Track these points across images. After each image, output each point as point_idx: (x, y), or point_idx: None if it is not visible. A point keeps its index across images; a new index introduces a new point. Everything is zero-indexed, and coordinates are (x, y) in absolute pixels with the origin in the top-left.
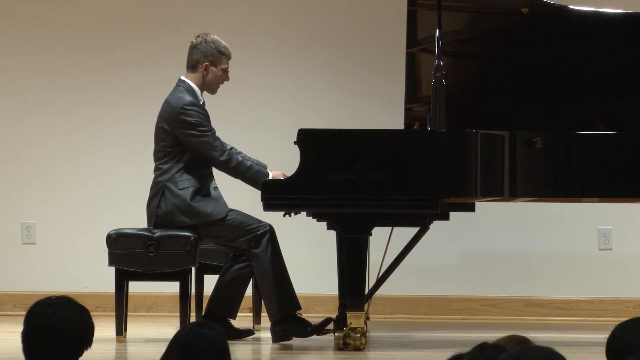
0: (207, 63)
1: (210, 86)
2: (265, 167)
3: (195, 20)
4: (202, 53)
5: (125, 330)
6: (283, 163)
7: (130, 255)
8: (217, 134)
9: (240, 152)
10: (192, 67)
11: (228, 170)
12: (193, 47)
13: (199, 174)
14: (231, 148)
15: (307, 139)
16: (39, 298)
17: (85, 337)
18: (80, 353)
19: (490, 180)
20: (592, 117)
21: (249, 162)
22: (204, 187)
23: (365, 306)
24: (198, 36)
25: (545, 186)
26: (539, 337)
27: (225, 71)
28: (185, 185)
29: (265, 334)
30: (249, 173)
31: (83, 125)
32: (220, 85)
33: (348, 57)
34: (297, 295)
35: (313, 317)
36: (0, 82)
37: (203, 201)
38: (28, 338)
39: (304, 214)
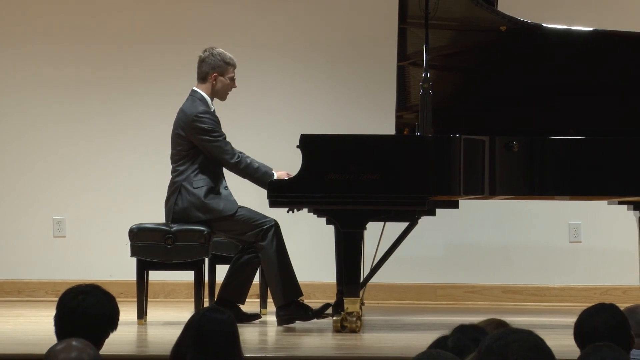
0: (215, 74)
1: (220, 94)
2: (270, 169)
3: (206, 37)
4: (210, 65)
5: (146, 314)
6: (286, 165)
7: (150, 247)
8: (229, 138)
9: (249, 157)
10: (202, 78)
11: (238, 171)
12: (201, 61)
13: (212, 175)
14: (240, 152)
15: (309, 143)
16: (68, 286)
17: (111, 321)
18: (107, 335)
19: (472, 180)
20: (564, 123)
21: (257, 164)
22: (216, 186)
23: (361, 293)
24: (205, 50)
25: (522, 185)
26: (515, 320)
27: (232, 79)
28: (199, 184)
29: (271, 318)
30: (257, 174)
31: (107, 131)
32: (229, 92)
33: (345, 69)
34: (299, 282)
35: (314, 302)
36: (36, 92)
37: (215, 199)
38: (60, 321)
39: (305, 210)
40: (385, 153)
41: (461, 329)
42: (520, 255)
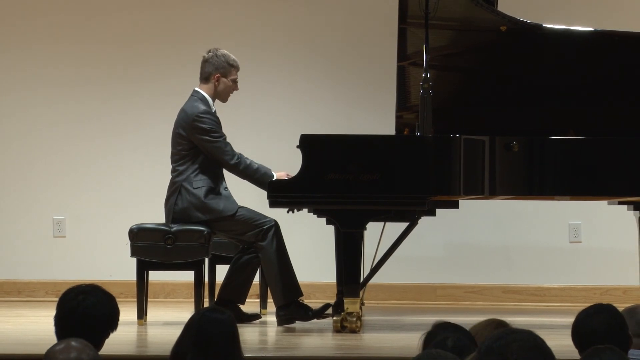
0: (218, 75)
1: (221, 95)
2: (270, 170)
3: (207, 37)
4: (213, 66)
5: (146, 314)
6: (287, 165)
7: (150, 248)
8: (229, 139)
9: (248, 158)
10: (205, 78)
11: (237, 172)
12: (205, 61)
13: (212, 175)
14: (240, 153)
15: (309, 143)
16: (68, 286)
17: (111, 321)
18: (107, 335)
19: (472, 180)
20: (564, 123)
21: (256, 165)
22: (216, 186)
23: (361, 293)
24: (209, 51)
25: (522, 185)
26: (515, 320)
27: (235, 81)
28: (199, 184)
29: (271, 318)
30: (256, 175)
31: (107, 131)
32: (231, 94)
33: (345, 70)
34: (299, 283)
35: (314, 302)
36: (36, 92)
37: (215, 199)
38: (60, 321)
39: (305, 210)
40: (385, 153)
41: (443, 326)
42: (520, 255)
